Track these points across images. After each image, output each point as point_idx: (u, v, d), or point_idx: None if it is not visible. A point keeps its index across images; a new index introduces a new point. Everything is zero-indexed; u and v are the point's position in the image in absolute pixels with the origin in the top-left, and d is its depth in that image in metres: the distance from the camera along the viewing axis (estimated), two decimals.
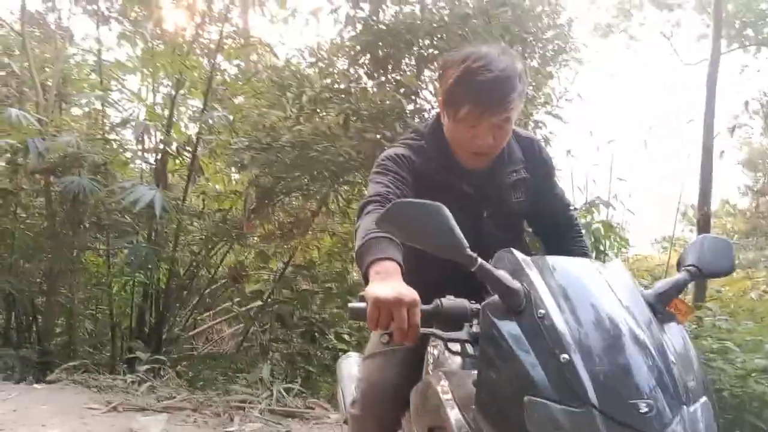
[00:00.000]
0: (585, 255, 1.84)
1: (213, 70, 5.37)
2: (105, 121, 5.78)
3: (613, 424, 0.93)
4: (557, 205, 1.91)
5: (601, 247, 5.46)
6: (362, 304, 1.19)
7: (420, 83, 4.66)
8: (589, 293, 1.12)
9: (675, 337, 1.12)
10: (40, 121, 4.71)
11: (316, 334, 5.30)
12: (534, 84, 5.82)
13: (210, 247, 5.34)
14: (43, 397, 3.64)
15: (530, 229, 2.03)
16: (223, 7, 5.82)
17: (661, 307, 1.17)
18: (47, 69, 6.02)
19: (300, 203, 5.47)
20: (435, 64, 4.71)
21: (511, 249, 1.24)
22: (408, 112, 4.47)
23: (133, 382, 3.98)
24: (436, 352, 1.49)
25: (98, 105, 5.83)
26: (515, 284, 1.12)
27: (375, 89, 4.63)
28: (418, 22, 4.30)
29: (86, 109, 6.32)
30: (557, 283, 1.13)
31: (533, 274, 1.15)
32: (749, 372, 3.71)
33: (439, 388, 1.32)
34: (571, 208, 1.97)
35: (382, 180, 1.61)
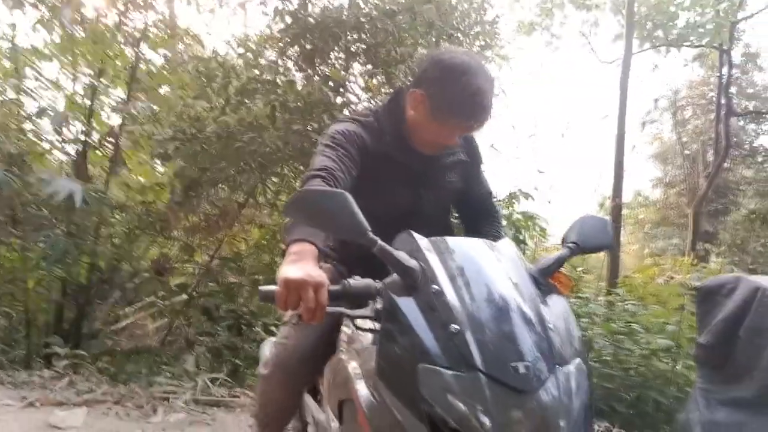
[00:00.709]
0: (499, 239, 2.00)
1: (137, 60, 5.23)
2: (20, 110, 5.51)
3: (496, 385, 1.06)
4: (482, 191, 2.07)
5: (521, 237, 5.73)
6: (272, 287, 1.26)
7: (347, 76, 4.74)
8: (480, 270, 1.24)
9: (555, 306, 1.26)
10: None
11: (243, 326, 5.30)
12: None
13: (132, 239, 5.23)
14: None
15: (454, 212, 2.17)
16: None
17: (545, 280, 1.31)
18: None
19: (227, 195, 5.43)
20: (361, 57, 4.80)
21: (410, 231, 1.35)
22: (336, 104, 4.54)
23: (51, 378, 3.86)
24: (349, 330, 1.57)
25: (12, 93, 5.55)
26: (412, 263, 1.23)
27: (303, 81, 4.67)
28: (345, 16, 4.37)
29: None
30: (452, 262, 1.25)
31: (429, 254, 1.26)
32: (653, 351, 4.02)
33: (348, 364, 1.42)
34: (493, 196, 2.14)
35: (330, 154, 1.67)
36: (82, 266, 4.85)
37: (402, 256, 1.24)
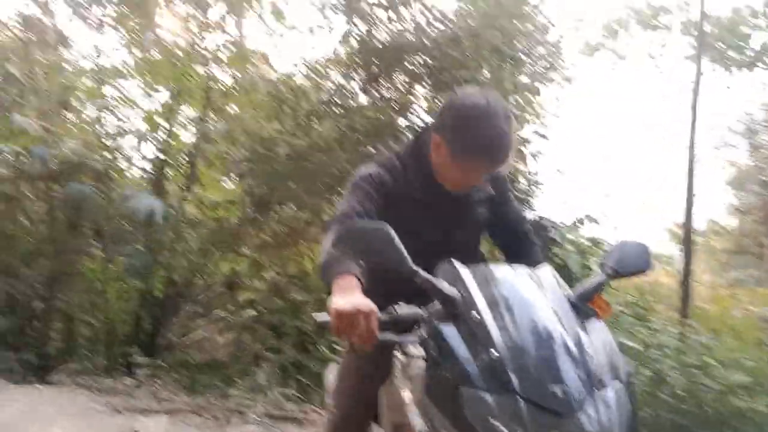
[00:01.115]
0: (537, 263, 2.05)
1: (210, 80, 5.50)
2: (104, 128, 5.87)
3: (534, 408, 1.09)
4: (515, 219, 2.10)
5: (587, 263, 5.62)
6: (326, 317, 1.34)
7: (412, 99, 4.82)
8: (519, 296, 1.29)
9: (595, 330, 1.29)
10: (44, 128, 4.82)
11: (308, 344, 5.40)
12: (522, 101, 6.01)
13: (205, 255, 5.45)
14: (47, 399, 3.74)
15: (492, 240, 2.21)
16: (221, 17, 5.98)
17: (584, 305, 1.34)
18: (47, 74, 6.12)
19: (294, 214, 5.59)
20: (425, 80, 4.88)
21: (452, 260, 1.41)
22: (400, 127, 4.63)
23: (133, 386, 4.08)
24: (401, 356, 1.64)
25: (97, 112, 5.93)
26: (453, 291, 1.29)
27: (369, 104, 4.78)
28: (411, 41, 4.46)
29: (86, 116, 6.41)
30: (491, 289, 1.30)
31: (470, 282, 1.31)
32: (730, 387, 3.84)
33: (401, 389, 1.49)
34: (527, 222, 2.16)
35: (351, 199, 1.75)
36: (159, 280, 5.09)
37: (443, 285, 1.31)
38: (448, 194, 1.86)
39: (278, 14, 5.58)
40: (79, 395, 3.84)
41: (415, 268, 1.31)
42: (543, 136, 4.99)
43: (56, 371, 4.28)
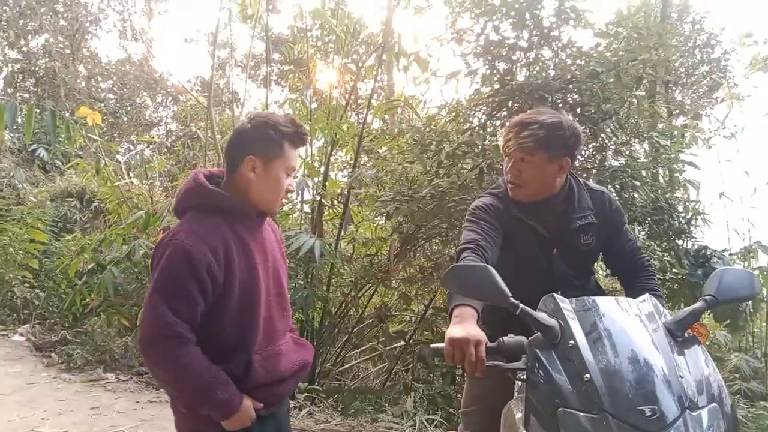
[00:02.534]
0: (657, 290, 2.11)
1: (363, 127, 5.96)
2: None
3: (624, 426, 1.19)
4: (629, 250, 2.19)
5: (761, 295, 5.17)
6: (440, 345, 1.54)
7: None
8: (614, 324, 1.40)
9: (691, 355, 1.36)
10: None
11: (457, 376, 5.53)
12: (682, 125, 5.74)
13: (358, 288, 5.84)
14: None
15: (608, 270, 2.42)
16: (371, 69, 6.46)
17: (681, 332, 1.41)
18: (222, 130, 7.02)
19: (440, 248, 5.81)
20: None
21: (554, 294, 1.53)
22: None
23: (293, 407, 4.51)
24: (519, 382, 1.76)
25: None
26: (551, 322, 1.42)
27: None
28: (552, 78, 4.53)
29: None
30: (588, 319, 1.42)
31: (568, 313, 1.44)
32: None
33: (515, 410, 1.63)
34: (642, 252, 2.25)
35: (474, 228, 1.98)
36: (317, 311, 5.55)
37: (542, 316, 1.44)
38: (550, 218, 2.05)
39: (423, 64, 5.92)
40: None
41: (515, 302, 1.46)
42: (691, 164, 4.74)
43: None
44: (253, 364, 1.73)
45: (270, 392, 1.79)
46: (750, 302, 4.95)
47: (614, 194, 3.59)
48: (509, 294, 1.46)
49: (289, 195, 1.91)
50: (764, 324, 5.77)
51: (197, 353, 1.63)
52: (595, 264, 2.38)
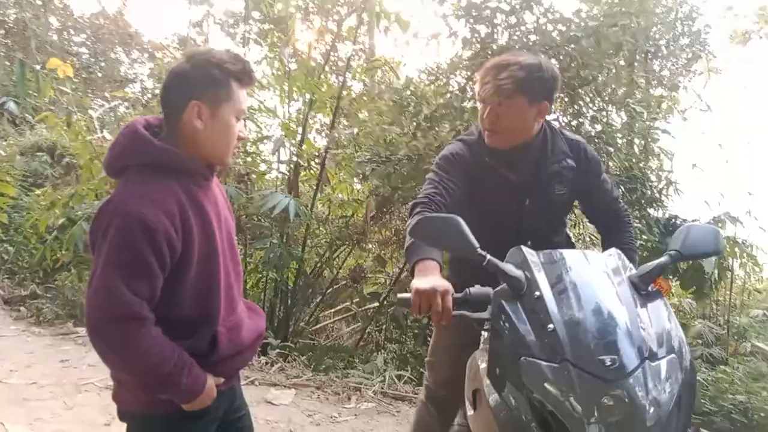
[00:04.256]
0: (630, 243, 2.14)
1: (341, 89, 5.89)
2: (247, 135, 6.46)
3: (584, 374, 1.23)
4: (605, 199, 2.18)
5: (725, 264, 5.31)
6: (407, 295, 1.55)
7: None
8: (580, 277, 1.43)
9: (653, 308, 1.39)
10: None
11: (428, 336, 5.62)
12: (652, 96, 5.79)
13: (333, 249, 5.85)
14: None
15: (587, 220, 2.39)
16: (352, 30, 6.36)
17: (644, 286, 1.44)
18: None
19: None
20: None
21: (521, 246, 1.55)
22: None
23: (266, 363, 4.56)
24: (485, 332, 1.80)
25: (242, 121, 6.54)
26: (518, 273, 1.44)
27: None
28: (532, 43, 4.51)
29: None
30: (554, 271, 1.45)
31: (534, 266, 1.47)
32: None
33: (479, 360, 1.65)
34: (619, 201, 2.23)
35: (434, 181, 1.95)
36: (291, 272, 5.56)
37: (509, 268, 1.46)
38: (524, 165, 2.00)
39: (404, 24, 5.83)
40: None
41: (482, 253, 1.47)
42: (666, 132, 4.79)
43: None
44: (218, 337, 1.58)
45: (231, 365, 1.67)
46: (716, 271, 5.08)
47: None
48: (477, 245, 1.47)
49: (241, 144, 1.68)
50: (728, 293, 5.93)
51: (158, 335, 1.44)
52: (567, 217, 2.38)
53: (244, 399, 1.89)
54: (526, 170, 2.00)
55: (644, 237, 4.55)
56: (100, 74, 13.47)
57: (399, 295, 1.58)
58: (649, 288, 1.46)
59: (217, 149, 1.57)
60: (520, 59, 1.88)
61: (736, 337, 5.59)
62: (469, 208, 1.89)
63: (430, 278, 1.56)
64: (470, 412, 1.75)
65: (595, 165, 2.13)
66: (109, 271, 1.39)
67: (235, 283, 1.69)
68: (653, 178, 5.10)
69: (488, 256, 1.46)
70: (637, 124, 4.73)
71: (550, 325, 1.30)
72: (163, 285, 1.46)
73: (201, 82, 1.51)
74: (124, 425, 1.63)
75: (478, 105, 1.99)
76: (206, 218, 1.55)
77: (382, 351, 5.26)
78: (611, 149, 4.50)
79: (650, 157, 5.66)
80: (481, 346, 1.82)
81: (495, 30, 4.92)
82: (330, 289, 6.17)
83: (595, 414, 1.19)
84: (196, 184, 1.56)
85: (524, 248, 1.55)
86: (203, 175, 1.59)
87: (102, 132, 7.69)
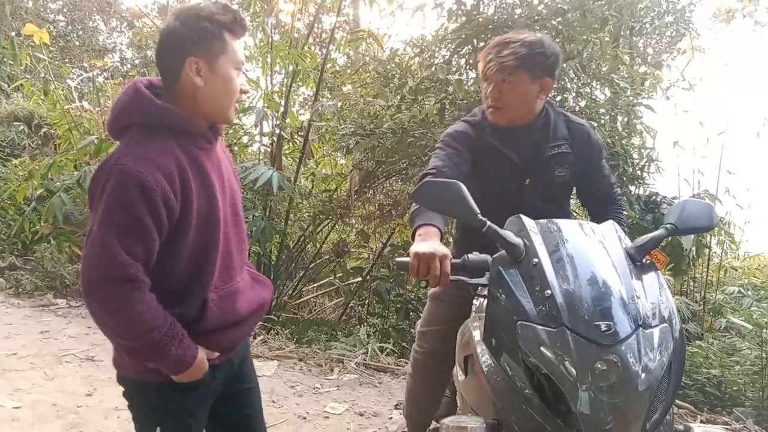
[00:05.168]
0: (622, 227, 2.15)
1: (325, 61, 5.81)
2: None
3: (579, 338, 1.26)
4: (603, 183, 2.23)
5: (703, 241, 5.39)
6: (406, 258, 1.56)
7: None
8: (578, 246, 1.45)
9: (648, 279, 1.42)
10: None
11: (410, 311, 5.66)
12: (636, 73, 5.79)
13: (317, 224, 5.84)
14: None
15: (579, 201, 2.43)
16: (336, 1, 6.26)
17: (640, 257, 1.47)
18: None
19: (399, 186, 5.82)
20: None
21: (520, 215, 1.57)
22: None
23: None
24: (477, 301, 1.85)
25: None
26: (516, 240, 1.46)
27: (474, 79, 4.85)
28: (517, 16, 4.47)
29: None
30: (553, 240, 1.46)
31: (533, 234, 1.48)
32: None
33: (472, 326, 1.68)
34: (615, 187, 2.29)
35: (440, 154, 1.99)
36: (274, 246, 5.54)
37: (508, 234, 1.47)
38: (525, 146, 2.04)
39: None
40: None
41: (482, 218, 1.48)
42: (648, 107, 4.81)
43: None
44: (208, 305, 1.53)
45: (224, 336, 1.59)
46: (694, 248, 5.16)
47: None
48: (477, 210, 1.48)
49: (244, 97, 1.62)
50: (705, 270, 6.03)
51: (152, 301, 1.42)
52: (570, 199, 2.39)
53: (254, 373, 1.87)
54: (527, 150, 2.04)
55: (624, 213, 4.59)
56: (77, 43, 13.12)
57: (398, 259, 1.59)
58: (644, 260, 1.49)
59: (220, 104, 1.54)
60: (521, 37, 1.93)
61: (711, 314, 5.70)
62: (473, 187, 1.93)
63: (429, 242, 1.58)
64: (461, 377, 1.77)
65: (598, 150, 2.18)
66: (104, 231, 1.37)
67: (236, 252, 1.66)
68: (635, 155, 5.12)
69: (488, 222, 1.47)
70: (620, 100, 4.73)
71: (548, 291, 1.33)
72: (159, 248, 1.44)
73: (194, 37, 1.48)
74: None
75: (482, 84, 2.04)
76: (208, 181, 1.52)
77: (365, 324, 5.29)
78: (594, 124, 4.51)
79: (633, 134, 5.69)
80: (473, 314, 1.84)
81: (481, 2, 4.87)
82: (313, 264, 6.17)
83: (589, 378, 1.22)
84: (198, 145, 1.53)
85: (523, 217, 1.57)
86: (205, 136, 1.56)
87: (80, 102, 7.54)
